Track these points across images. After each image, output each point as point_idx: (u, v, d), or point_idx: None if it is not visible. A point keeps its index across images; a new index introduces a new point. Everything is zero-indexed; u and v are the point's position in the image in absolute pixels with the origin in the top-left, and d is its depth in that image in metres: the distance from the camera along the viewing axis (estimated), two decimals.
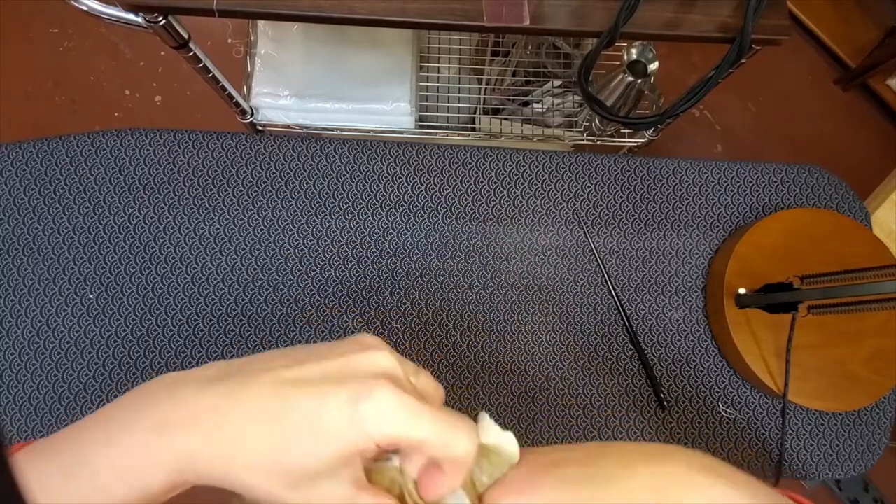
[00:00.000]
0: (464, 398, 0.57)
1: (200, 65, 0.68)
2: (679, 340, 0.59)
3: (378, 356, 0.24)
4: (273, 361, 0.24)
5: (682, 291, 0.60)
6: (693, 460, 0.26)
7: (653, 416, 0.57)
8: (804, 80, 1.56)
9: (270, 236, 0.58)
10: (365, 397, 0.22)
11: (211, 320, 0.56)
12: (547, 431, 0.56)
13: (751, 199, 0.63)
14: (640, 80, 0.76)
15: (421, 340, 0.57)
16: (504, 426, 0.27)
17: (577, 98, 0.95)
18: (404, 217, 0.60)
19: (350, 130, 0.91)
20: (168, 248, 0.58)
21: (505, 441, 0.27)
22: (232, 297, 0.57)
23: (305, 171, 0.60)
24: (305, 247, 0.58)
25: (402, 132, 0.92)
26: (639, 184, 0.63)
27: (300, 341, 0.56)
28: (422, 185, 0.61)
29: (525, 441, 0.55)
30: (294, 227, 0.59)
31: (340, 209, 0.60)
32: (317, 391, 0.22)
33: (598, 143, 0.95)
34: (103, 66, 1.43)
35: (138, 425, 0.23)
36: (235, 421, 0.22)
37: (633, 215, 0.62)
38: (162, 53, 1.44)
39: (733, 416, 0.57)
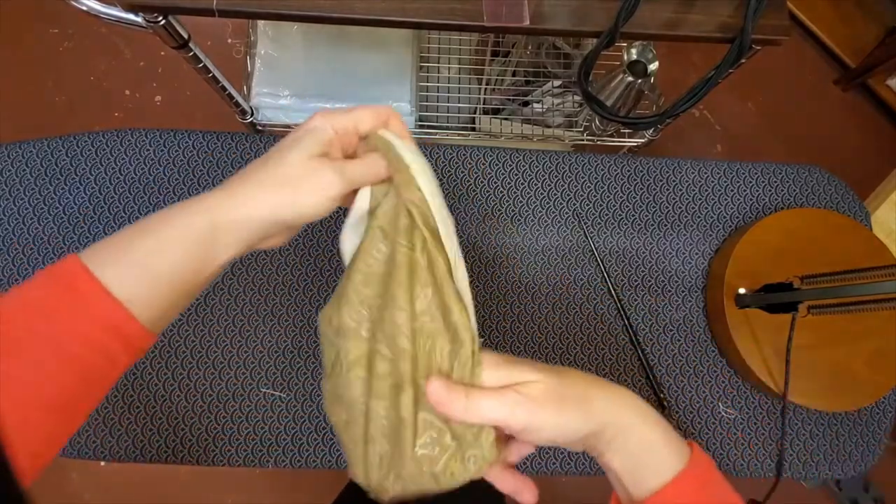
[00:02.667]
0: None
1: (200, 65, 0.68)
2: (679, 340, 0.59)
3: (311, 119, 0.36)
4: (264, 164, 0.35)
5: (682, 291, 0.60)
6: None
7: None
8: (804, 80, 1.56)
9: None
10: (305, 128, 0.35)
11: (210, 320, 0.56)
12: None
13: (751, 199, 0.63)
14: (640, 80, 0.76)
15: None
16: None
17: (577, 98, 0.95)
18: None
19: None
20: None
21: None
22: (232, 296, 0.57)
23: None
24: (305, 247, 0.58)
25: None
26: (639, 184, 0.63)
27: (300, 341, 0.56)
28: None
29: None
30: None
31: (340, 209, 0.60)
32: (284, 153, 0.34)
33: (598, 143, 0.95)
34: (103, 66, 1.43)
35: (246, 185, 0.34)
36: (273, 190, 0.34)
37: (633, 215, 0.62)
38: (162, 53, 1.44)
39: (733, 417, 0.57)
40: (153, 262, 0.31)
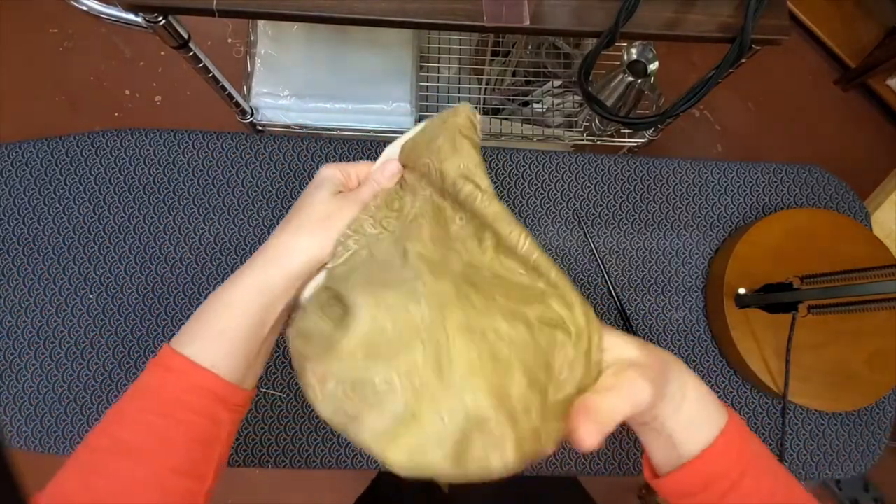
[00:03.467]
0: None
1: (200, 65, 0.68)
2: (679, 340, 0.59)
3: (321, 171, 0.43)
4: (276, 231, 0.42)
5: (682, 291, 0.60)
6: None
7: None
8: (804, 80, 1.56)
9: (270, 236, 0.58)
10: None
11: None
12: None
13: (751, 199, 0.63)
14: (640, 80, 0.76)
15: None
16: None
17: (577, 98, 0.95)
18: None
19: (350, 130, 0.91)
20: (168, 248, 0.58)
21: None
22: None
23: (305, 171, 0.60)
24: None
25: (401, 132, 0.92)
26: (639, 184, 0.63)
27: None
28: None
29: None
30: None
31: None
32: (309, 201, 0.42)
33: (598, 143, 0.95)
34: (103, 66, 1.43)
35: (283, 232, 0.41)
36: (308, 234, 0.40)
37: (633, 215, 0.62)
38: (162, 53, 1.44)
39: None
40: (225, 329, 0.36)
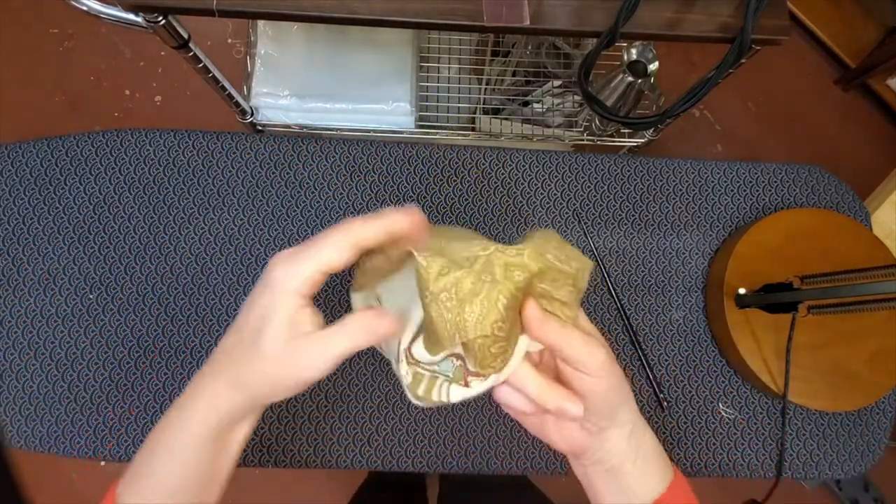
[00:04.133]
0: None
1: (200, 65, 0.68)
2: (679, 340, 0.59)
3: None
4: (230, 342, 0.35)
5: (682, 291, 0.60)
6: None
7: (653, 416, 0.57)
8: (804, 80, 1.56)
9: (270, 236, 0.58)
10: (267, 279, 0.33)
11: (211, 320, 0.56)
12: None
13: (751, 199, 0.63)
14: (640, 80, 0.76)
15: None
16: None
17: (577, 98, 0.95)
18: None
19: (350, 130, 0.91)
20: (168, 248, 0.58)
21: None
22: (232, 296, 0.57)
23: (305, 171, 0.60)
24: None
25: (401, 132, 0.92)
26: (639, 184, 0.63)
27: None
28: (422, 185, 0.61)
29: (524, 445, 0.55)
30: (294, 226, 0.59)
31: (340, 209, 0.60)
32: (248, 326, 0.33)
33: (598, 143, 0.95)
34: (103, 66, 1.43)
35: (218, 382, 0.34)
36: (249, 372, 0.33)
37: (633, 215, 0.62)
38: (162, 53, 1.44)
39: (733, 416, 0.57)
40: (166, 478, 0.33)
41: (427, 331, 0.32)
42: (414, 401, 0.34)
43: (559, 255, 0.33)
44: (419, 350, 0.33)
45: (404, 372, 0.34)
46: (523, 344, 0.34)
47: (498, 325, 0.30)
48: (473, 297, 0.30)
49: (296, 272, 0.31)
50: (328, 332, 0.31)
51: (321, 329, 0.31)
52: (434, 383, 0.34)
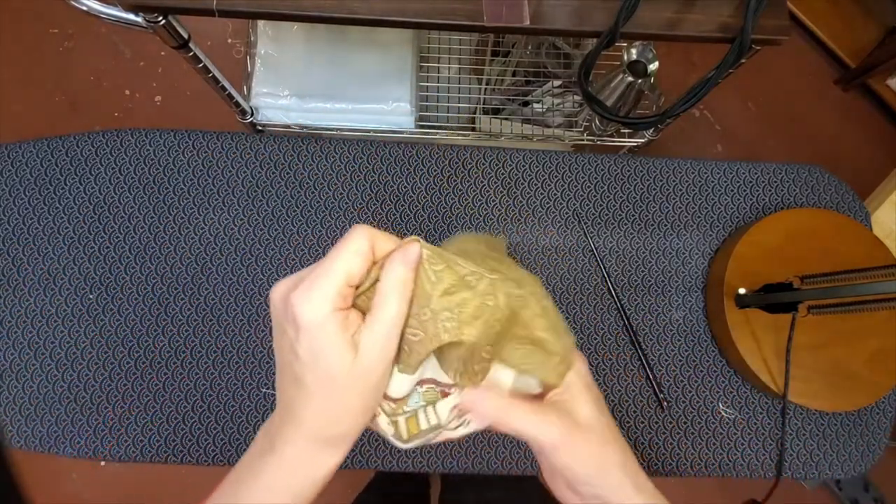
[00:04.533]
0: None
1: (200, 65, 0.68)
2: (679, 340, 0.59)
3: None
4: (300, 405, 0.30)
5: (682, 291, 0.60)
6: None
7: (653, 415, 0.57)
8: (804, 80, 1.56)
9: (270, 236, 0.58)
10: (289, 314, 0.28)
11: (211, 320, 0.56)
12: None
13: (751, 199, 0.63)
14: (640, 80, 0.76)
15: None
16: None
17: (577, 98, 0.95)
18: (404, 217, 0.60)
19: (350, 130, 0.91)
20: (168, 248, 0.58)
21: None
22: (232, 296, 0.57)
23: (305, 171, 0.60)
24: (305, 246, 0.58)
25: (401, 132, 0.92)
26: (639, 184, 0.63)
27: None
28: (422, 185, 0.61)
29: (524, 445, 0.55)
30: (294, 226, 0.59)
31: (340, 209, 0.60)
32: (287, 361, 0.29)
33: (598, 143, 0.95)
34: (103, 66, 1.43)
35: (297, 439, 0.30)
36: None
37: (633, 215, 0.62)
38: (162, 53, 1.44)
39: (733, 416, 0.57)
40: None
41: (408, 347, 0.30)
42: (405, 446, 0.33)
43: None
44: (394, 384, 0.31)
45: (385, 424, 0.32)
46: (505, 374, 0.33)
47: (488, 349, 0.30)
48: (474, 321, 0.29)
49: (321, 299, 0.27)
50: (372, 315, 0.28)
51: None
52: (415, 418, 0.32)
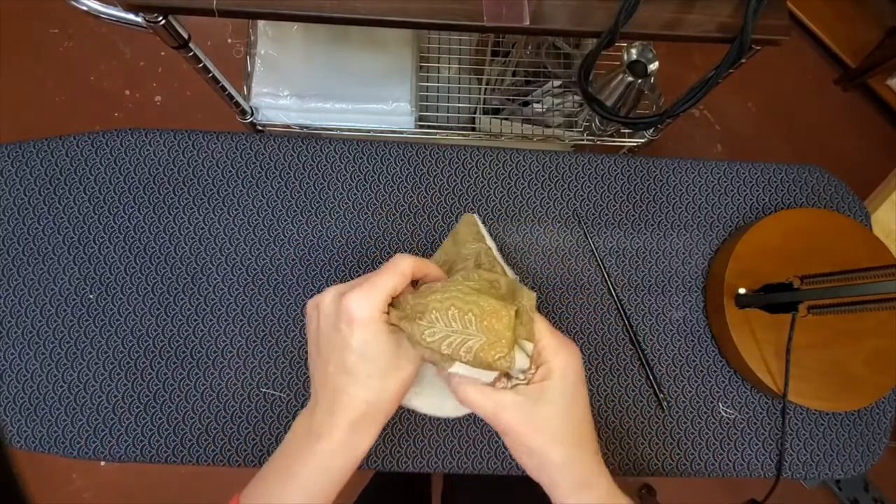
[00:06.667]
0: None
1: (200, 65, 0.68)
2: (679, 340, 0.59)
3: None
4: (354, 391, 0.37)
5: (682, 291, 0.60)
6: None
7: (653, 416, 0.57)
8: (804, 80, 1.56)
9: (270, 236, 0.58)
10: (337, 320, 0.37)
11: (211, 320, 0.56)
12: None
13: (751, 199, 0.63)
14: (640, 80, 0.76)
15: None
16: None
17: (577, 98, 0.95)
18: (404, 217, 0.60)
19: (350, 130, 0.91)
20: (168, 248, 0.58)
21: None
22: (232, 296, 0.57)
23: (305, 171, 0.60)
24: (305, 247, 0.58)
25: (402, 132, 0.93)
26: (639, 184, 0.63)
27: (300, 341, 0.56)
28: (422, 185, 0.61)
29: None
30: (294, 226, 0.59)
31: (340, 209, 0.60)
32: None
33: (598, 143, 0.95)
34: (103, 66, 1.43)
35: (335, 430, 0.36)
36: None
37: (633, 215, 0.62)
38: (162, 53, 1.44)
39: (733, 416, 0.57)
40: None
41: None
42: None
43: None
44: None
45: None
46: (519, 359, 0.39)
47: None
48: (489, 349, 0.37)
49: (372, 301, 0.36)
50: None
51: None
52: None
